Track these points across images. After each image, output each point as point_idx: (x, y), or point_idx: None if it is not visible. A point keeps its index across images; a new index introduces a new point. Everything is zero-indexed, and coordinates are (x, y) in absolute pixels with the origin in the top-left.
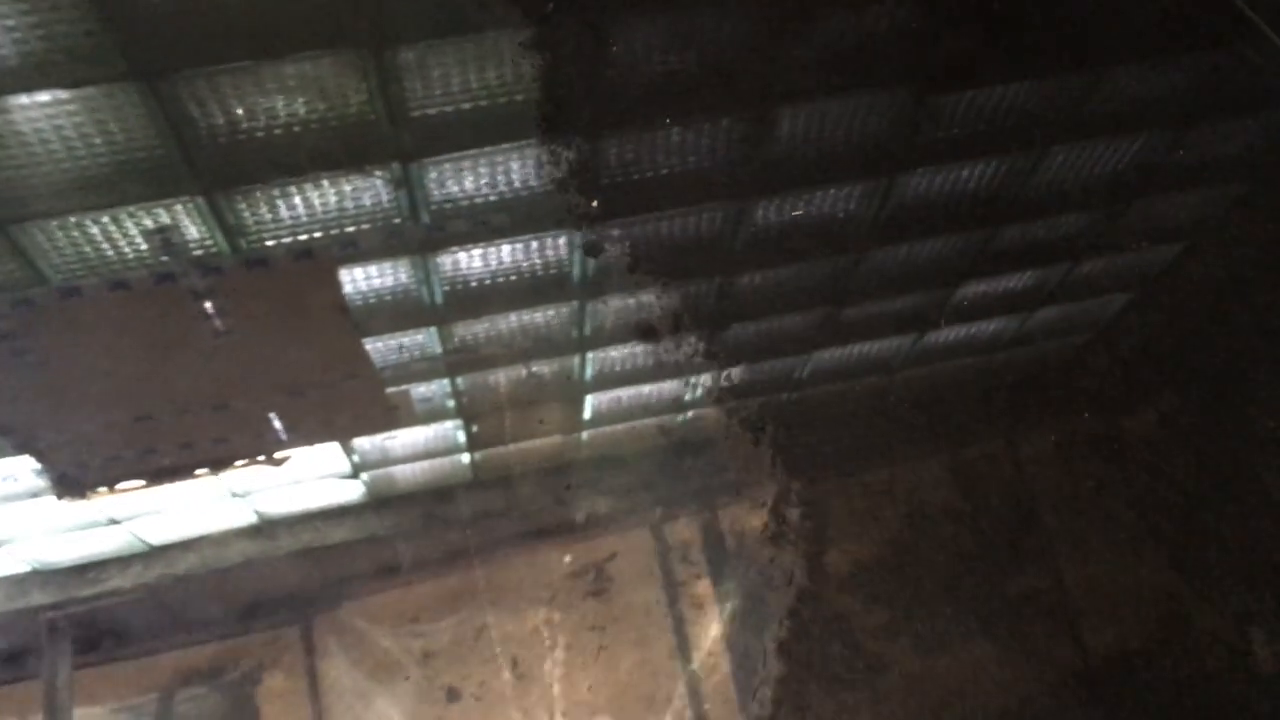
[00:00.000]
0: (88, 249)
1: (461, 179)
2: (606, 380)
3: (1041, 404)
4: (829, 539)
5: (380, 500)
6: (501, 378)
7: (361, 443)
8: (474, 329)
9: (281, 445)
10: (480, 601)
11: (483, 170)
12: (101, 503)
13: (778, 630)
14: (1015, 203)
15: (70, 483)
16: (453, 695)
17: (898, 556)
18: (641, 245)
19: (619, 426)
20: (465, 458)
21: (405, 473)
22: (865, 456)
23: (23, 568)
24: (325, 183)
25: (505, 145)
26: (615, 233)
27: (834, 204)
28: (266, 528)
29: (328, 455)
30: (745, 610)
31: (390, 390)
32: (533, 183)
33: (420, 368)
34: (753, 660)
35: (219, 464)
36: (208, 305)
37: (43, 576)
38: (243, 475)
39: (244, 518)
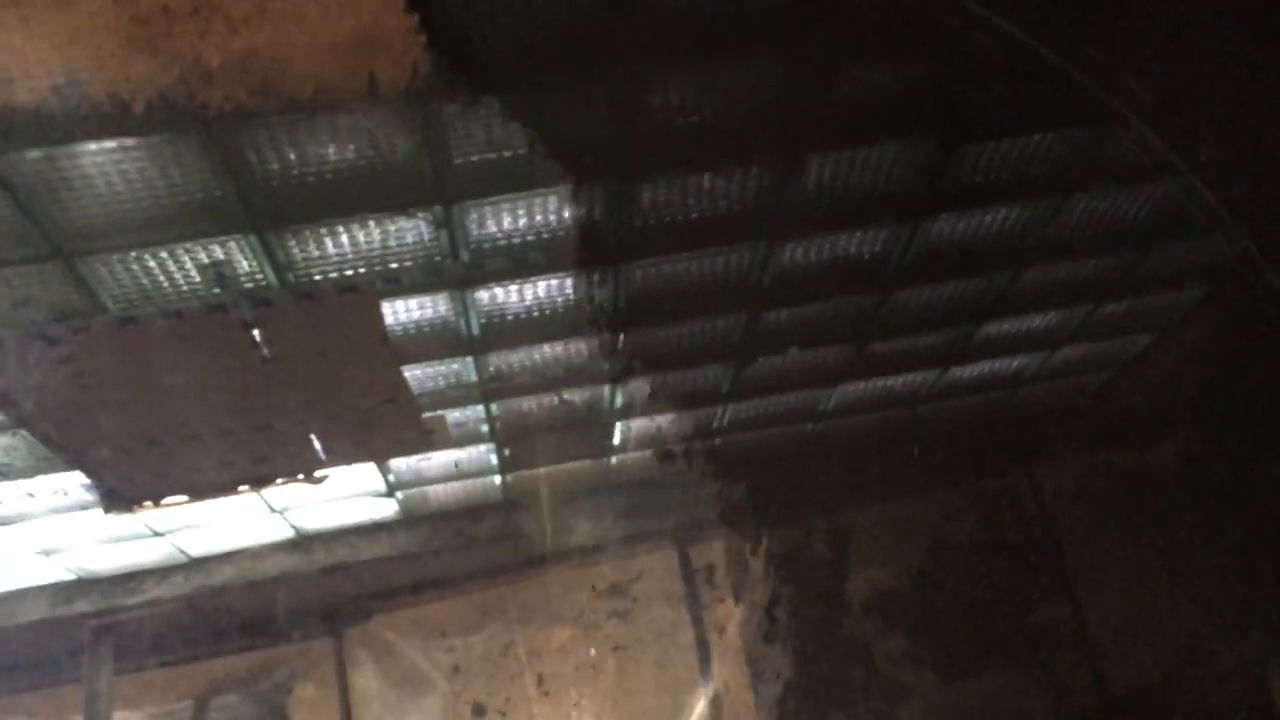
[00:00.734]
0: (145, 281)
1: (500, 219)
2: (635, 409)
3: (1064, 439)
4: (851, 566)
5: (413, 518)
6: (534, 404)
7: (397, 463)
8: (509, 359)
9: (320, 465)
10: (508, 619)
11: (520, 212)
12: (146, 516)
13: (799, 653)
14: (1039, 247)
15: (118, 498)
16: (479, 711)
17: (919, 585)
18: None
19: (647, 453)
20: (497, 479)
21: (438, 492)
22: (889, 488)
23: (67, 576)
24: (371, 222)
25: (541, 190)
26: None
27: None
28: (303, 542)
29: (364, 474)
30: (767, 633)
31: (427, 415)
32: (567, 223)
33: (456, 395)
34: (773, 683)
35: (260, 481)
36: (256, 334)
37: (86, 585)
38: (282, 492)
39: (281, 532)
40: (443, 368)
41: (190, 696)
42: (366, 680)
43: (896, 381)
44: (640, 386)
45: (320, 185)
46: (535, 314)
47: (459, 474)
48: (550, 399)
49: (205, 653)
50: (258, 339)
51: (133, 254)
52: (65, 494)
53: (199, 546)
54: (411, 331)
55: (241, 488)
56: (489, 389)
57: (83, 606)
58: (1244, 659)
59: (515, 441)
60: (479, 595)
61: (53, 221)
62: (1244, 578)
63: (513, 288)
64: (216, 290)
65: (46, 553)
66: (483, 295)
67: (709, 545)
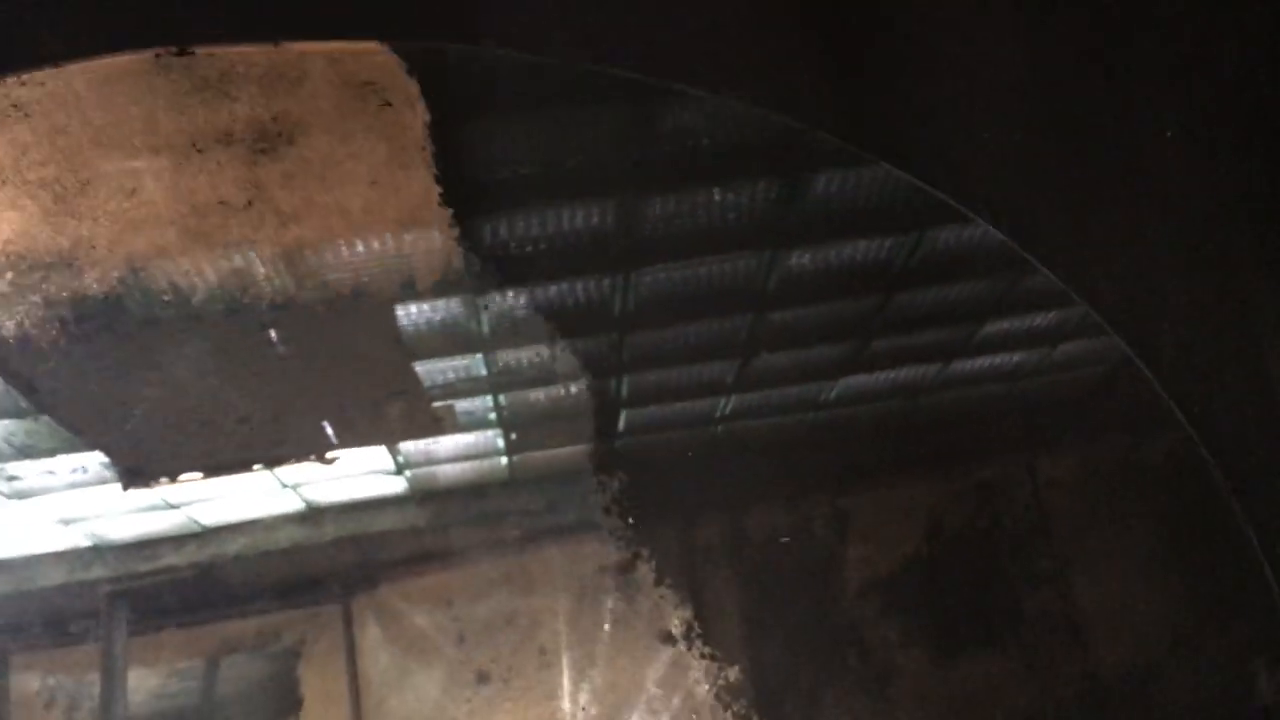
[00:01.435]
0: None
1: (514, 226)
2: (640, 399)
3: (1062, 430)
4: (849, 549)
5: (422, 495)
6: (541, 395)
7: (406, 445)
8: (518, 355)
9: (332, 447)
10: (512, 590)
11: (534, 219)
12: (162, 491)
13: (793, 633)
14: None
15: (136, 475)
16: (483, 678)
17: (914, 569)
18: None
19: (652, 437)
20: (503, 460)
21: (446, 471)
22: (888, 473)
23: (84, 544)
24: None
25: (555, 201)
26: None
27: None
28: (313, 515)
29: (374, 454)
30: (762, 612)
31: (436, 404)
32: (580, 230)
33: (466, 387)
34: (767, 661)
35: (274, 461)
36: (272, 333)
37: (103, 552)
38: (295, 470)
39: (293, 505)
40: (453, 362)
41: (202, 656)
42: (374, 645)
43: (897, 374)
44: (646, 378)
45: None
46: (545, 314)
47: (466, 455)
48: (558, 390)
49: (217, 616)
50: (274, 338)
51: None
52: (85, 471)
53: (213, 518)
54: (424, 330)
55: (255, 466)
56: (498, 382)
57: (99, 572)
58: (1231, 648)
59: (522, 427)
60: (484, 568)
61: None
62: (1230, 569)
63: (524, 290)
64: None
65: (65, 522)
66: (495, 297)
67: (708, 526)
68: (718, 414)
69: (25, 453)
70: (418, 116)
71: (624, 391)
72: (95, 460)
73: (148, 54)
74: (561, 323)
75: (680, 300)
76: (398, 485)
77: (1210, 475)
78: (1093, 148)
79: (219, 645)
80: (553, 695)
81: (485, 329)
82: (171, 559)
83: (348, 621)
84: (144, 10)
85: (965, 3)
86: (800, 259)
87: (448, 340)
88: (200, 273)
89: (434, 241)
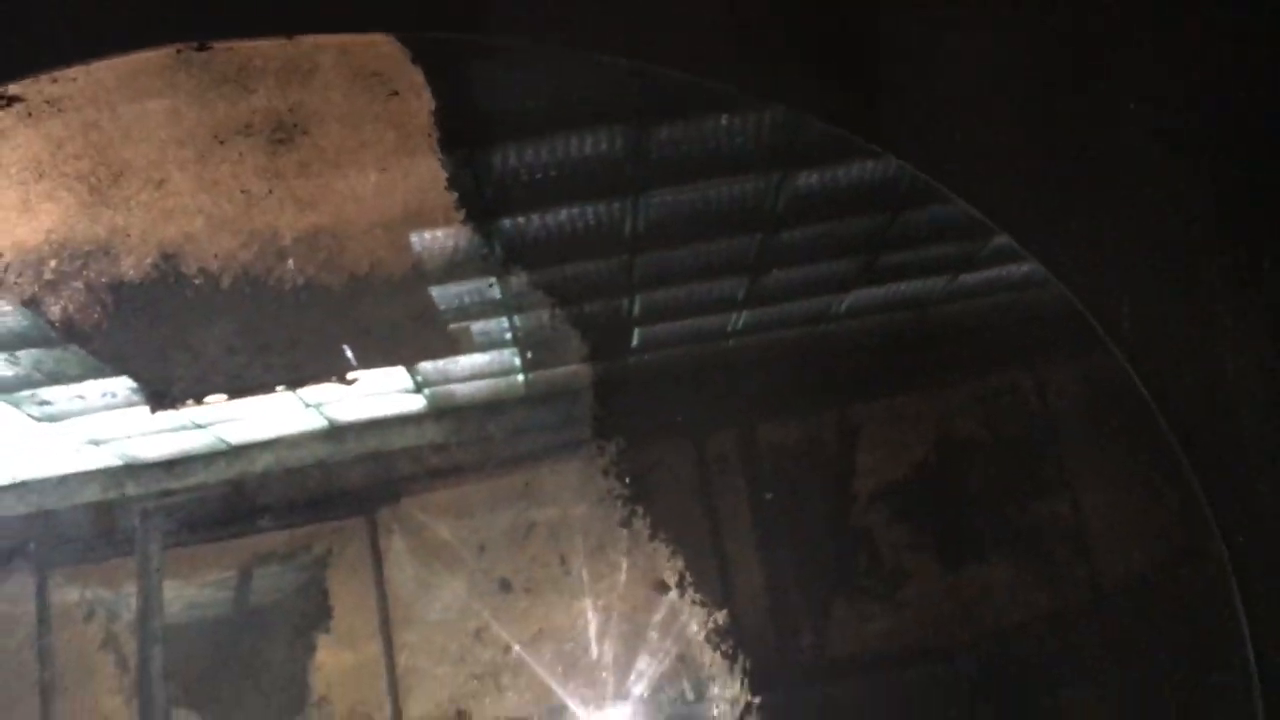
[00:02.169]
0: None
1: (523, 154)
2: (653, 317)
3: (1070, 340)
4: (859, 459)
5: (440, 411)
6: (556, 315)
7: (424, 364)
8: (533, 277)
9: (352, 369)
10: (531, 502)
11: (542, 147)
12: (189, 412)
13: (806, 539)
14: None
15: (163, 398)
16: (505, 586)
17: (924, 477)
18: None
19: (664, 353)
20: (520, 378)
21: (464, 389)
22: (898, 384)
23: (116, 463)
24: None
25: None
26: None
27: None
28: (336, 433)
29: (393, 374)
30: (775, 519)
31: (453, 327)
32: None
33: (482, 309)
34: (780, 565)
35: (296, 383)
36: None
37: (135, 471)
38: (316, 390)
39: (316, 424)
40: (469, 285)
41: (235, 568)
42: (399, 555)
43: (905, 287)
44: (657, 296)
45: None
46: (557, 238)
47: (483, 374)
48: (572, 309)
49: (248, 530)
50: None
51: None
52: (114, 395)
53: (239, 437)
54: (438, 255)
55: (279, 388)
56: (513, 303)
57: (132, 490)
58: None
59: (537, 346)
60: (503, 480)
61: None
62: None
63: (535, 216)
64: None
65: (95, 443)
66: (506, 223)
67: (722, 437)
68: (729, 329)
69: (55, 379)
70: (423, 104)
71: (636, 310)
72: (123, 385)
73: (169, 50)
74: (573, 245)
75: (690, 222)
76: (417, 403)
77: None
78: (1067, 137)
79: (251, 557)
80: (574, 599)
81: (499, 252)
82: (201, 476)
83: (373, 533)
84: (164, 8)
85: None
86: (809, 179)
87: (462, 266)
88: (226, 258)
89: (439, 224)
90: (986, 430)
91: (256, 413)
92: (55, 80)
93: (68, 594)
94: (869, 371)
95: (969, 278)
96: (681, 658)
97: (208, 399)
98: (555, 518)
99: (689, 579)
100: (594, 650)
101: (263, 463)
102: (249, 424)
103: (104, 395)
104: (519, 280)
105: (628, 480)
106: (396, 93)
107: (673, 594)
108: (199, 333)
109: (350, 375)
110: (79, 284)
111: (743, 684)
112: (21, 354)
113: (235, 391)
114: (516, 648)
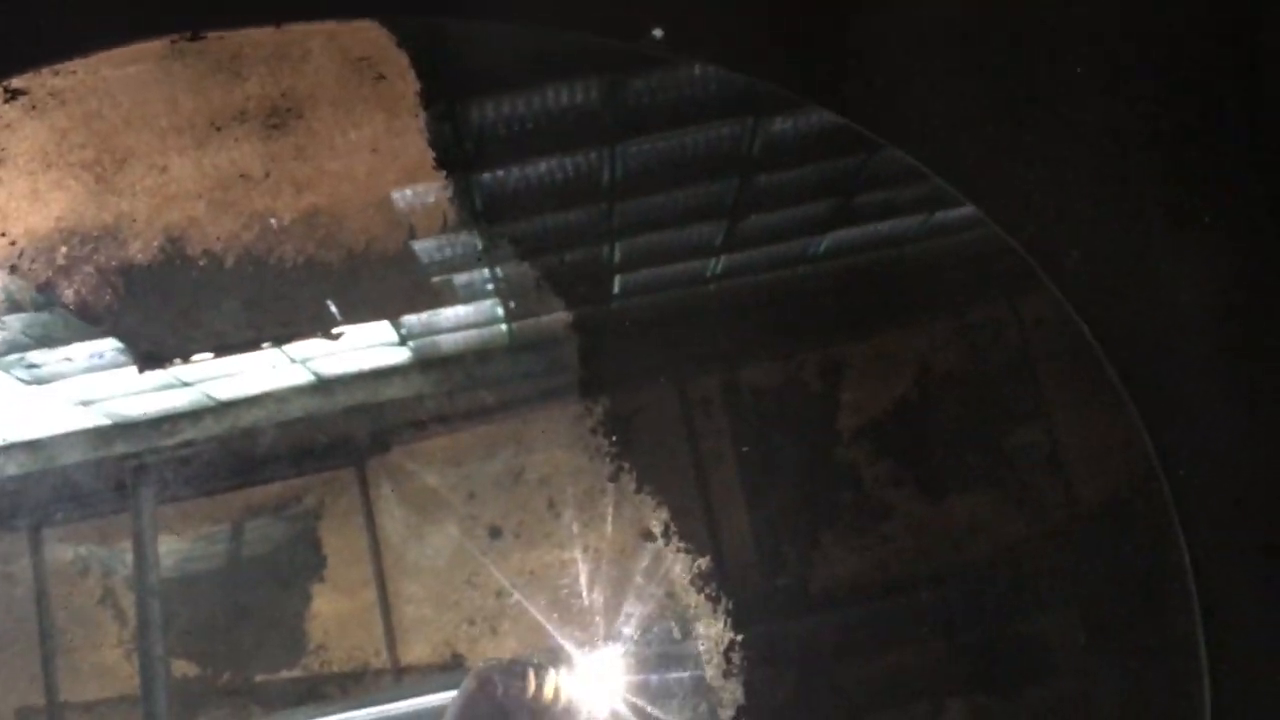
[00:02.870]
0: None
1: (501, 108)
2: (632, 264)
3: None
4: (842, 396)
5: (426, 363)
6: (538, 265)
7: (409, 317)
8: (513, 228)
9: (337, 324)
10: (518, 449)
11: (520, 101)
12: (176, 370)
13: (791, 478)
14: None
15: (150, 358)
16: (495, 532)
17: (905, 412)
18: None
19: (645, 299)
20: (504, 328)
21: (448, 340)
22: (878, 322)
23: (105, 422)
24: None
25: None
26: None
27: None
28: (323, 386)
29: (378, 328)
30: (760, 460)
31: (435, 279)
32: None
33: (463, 261)
34: (766, 504)
35: (281, 339)
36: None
37: (124, 429)
38: (302, 346)
39: (303, 378)
40: (450, 238)
41: (228, 521)
42: (389, 505)
43: (882, 226)
44: (636, 243)
45: None
46: (537, 189)
47: (468, 325)
48: (553, 259)
49: (239, 484)
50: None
51: None
52: (101, 356)
53: (227, 393)
54: (418, 209)
55: (264, 344)
56: (494, 255)
57: (121, 448)
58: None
59: (520, 295)
60: (490, 429)
61: None
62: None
63: (514, 169)
64: None
65: (84, 403)
66: (486, 177)
67: (705, 380)
68: (709, 274)
69: (43, 342)
70: (409, 86)
71: (616, 257)
72: (110, 346)
73: (164, 40)
74: (553, 195)
75: (667, 169)
76: (402, 355)
77: None
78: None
79: (242, 510)
80: (564, 545)
81: (479, 204)
82: (191, 433)
83: (363, 484)
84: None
85: None
86: (783, 124)
87: (442, 218)
88: (228, 240)
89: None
90: (967, 363)
91: (243, 370)
92: (57, 73)
93: (61, 552)
94: (850, 311)
95: (944, 214)
96: (670, 597)
97: (195, 358)
98: (542, 463)
99: (673, 528)
100: (584, 595)
101: (251, 418)
102: (236, 381)
103: (92, 356)
104: (500, 231)
105: (614, 438)
106: (383, 76)
107: (659, 543)
108: (208, 310)
109: (335, 330)
110: (90, 268)
111: (725, 623)
112: (9, 319)
113: (223, 350)
114: (514, 592)
